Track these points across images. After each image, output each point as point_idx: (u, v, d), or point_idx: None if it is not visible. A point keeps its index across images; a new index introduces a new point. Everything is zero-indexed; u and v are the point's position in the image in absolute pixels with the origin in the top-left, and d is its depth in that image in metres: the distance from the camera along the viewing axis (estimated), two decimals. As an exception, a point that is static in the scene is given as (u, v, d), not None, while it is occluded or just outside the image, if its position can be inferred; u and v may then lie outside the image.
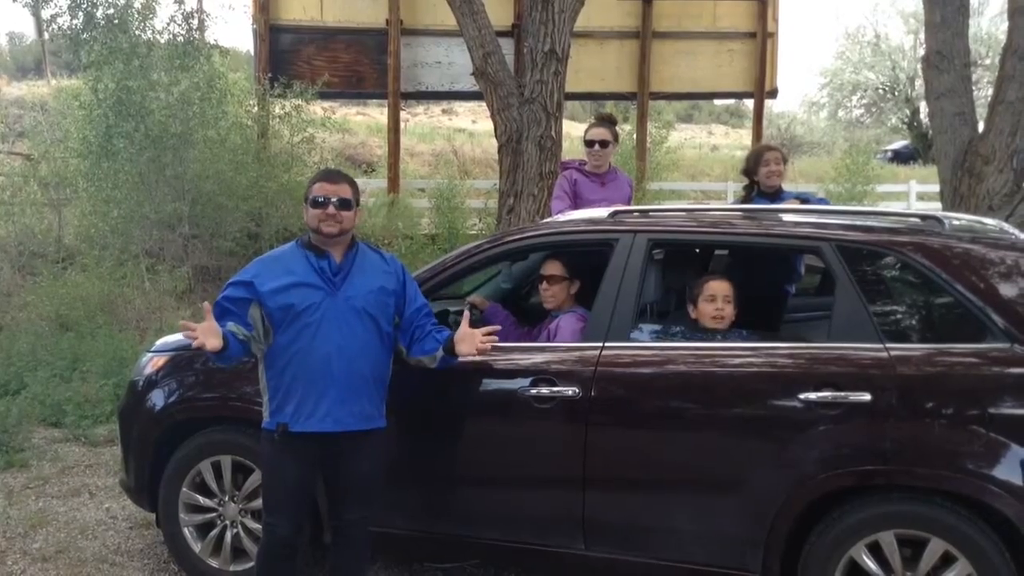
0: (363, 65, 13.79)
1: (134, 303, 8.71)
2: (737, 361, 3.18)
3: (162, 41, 10.19)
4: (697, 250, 4.38)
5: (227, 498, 3.72)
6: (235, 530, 3.73)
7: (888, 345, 2.99)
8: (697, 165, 22.08)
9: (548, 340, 3.69)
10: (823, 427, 2.97)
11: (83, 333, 7.65)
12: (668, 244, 3.79)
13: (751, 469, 3.06)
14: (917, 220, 3.52)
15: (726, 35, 14.48)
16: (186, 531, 3.79)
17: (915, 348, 2.99)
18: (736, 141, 30.78)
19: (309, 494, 3.26)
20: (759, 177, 4.73)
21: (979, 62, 22.58)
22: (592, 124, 5.16)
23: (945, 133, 6.96)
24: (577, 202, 4.89)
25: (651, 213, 3.86)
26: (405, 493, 3.53)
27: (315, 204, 3.10)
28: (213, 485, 3.74)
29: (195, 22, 10.49)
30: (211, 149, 10.12)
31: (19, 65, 32.64)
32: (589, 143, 4.99)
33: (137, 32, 9.92)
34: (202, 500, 3.76)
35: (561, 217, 4.06)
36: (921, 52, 9.12)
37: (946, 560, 2.85)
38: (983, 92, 18.76)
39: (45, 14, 10.67)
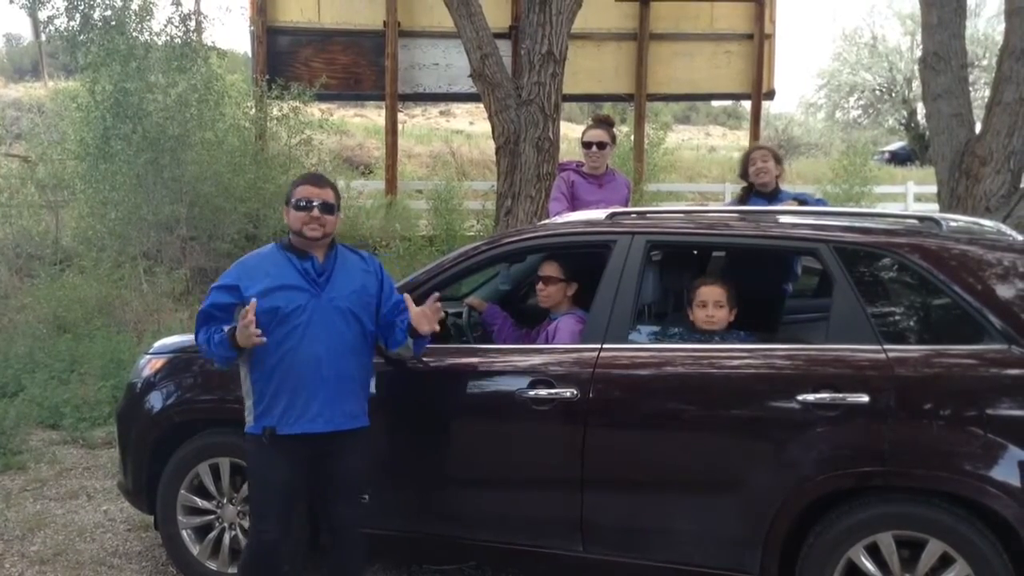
0: (361, 67, 13.81)
1: (132, 305, 8.70)
2: (735, 363, 3.18)
3: (159, 43, 10.18)
4: (695, 252, 4.38)
5: (225, 500, 3.72)
6: (233, 532, 3.72)
7: (886, 346, 2.99)
8: (695, 166, 22.11)
9: (546, 342, 3.70)
10: (821, 428, 2.97)
11: (81, 335, 7.64)
12: (666, 246, 3.79)
13: (749, 470, 3.06)
14: (915, 221, 3.53)
15: (723, 36, 14.51)
16: (184, 533, 3.79)
17: (913, 349, 3.00)
18: (733, 142, 30.81)
19: (297, 497, 3.23)
20: (750, 177, 4.77)
21: (976, 63, 22.62)
22: (589, 126, 5.16)
23: (942, 134, 6.97)
24: (575, 204, 4.89)
25: (649, 215, 3.87)
26: (403, 495, 3.53)
27: (299, 207, 3.10)
28: (211, 487, 3.74)
29: (192, 24, 10.49)
30: (209, 151, 10.12)
31: (16, 67, 32.61)
32: (586, 145, 4.99)
33: (134, 34, 9.91)
34: (200, 502, 3.76)
35: (559, 219, 4.06)
36: (918, 53, 9.12)
37: (944, 561, 2.85)
38: (980, 93, 18.84)
39: (42, 16, 10.64)
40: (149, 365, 3.97)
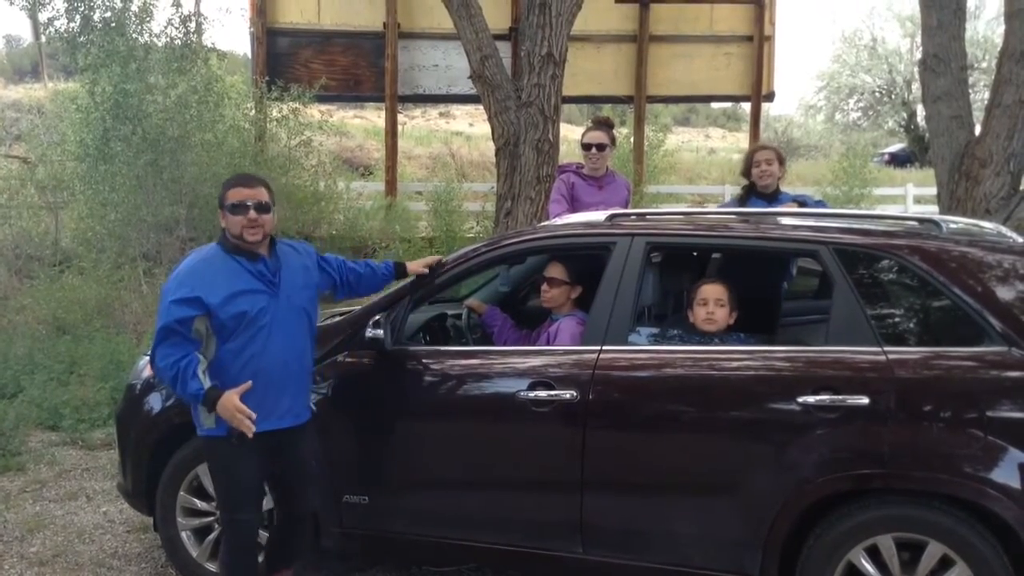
0: (360, 68, 13.81)
1: (131, 306, 8.69)
2: (735, 364, 3.17)
3: (159, 44, 10.17)
4: (694, 253, 4.38)
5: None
6: (232, 534, 3.71)
7: (886, 348, 2.99)
8: (694, 168, 22.13)
9: (547, 343, 3.70)
10: (821, 431, 2.97)
11: (80, 336, 7.64)
12: (665, 247, 3.79)
13: (749, 472, 3.06)
14: (914, 223, 3.53)
15: (723, 38, 14.51)
16: (184, 535, 3.79)
17: (913, 351, 3.00)
18: (733, 144, 30.86)
19: (265, 481, 3.33)
20: (753, 178, 4.76)
21: (976, 65, 22.62)
22: (589, 128, 5.16)
23: (942, 136, 6.97)
24: (575, 205, 4.89)
25: (648, 216, 3.87)
26: (403, 497, 3.52)
27: (233, 210, 3.10)
28: (211, 489, 3.73)
29: (192, 25, 10.47)
30: (208, 152, 10.11)
31: (16, 68, 32.63)
32: (586, 147, 4.99)
33: (134, 35, 9.90)
34: (200, 504, 3.76)
35: (559, 220, 4.06)
36: (918, 55, 9.13)
37: (944, 563, 2.85)
38: (980, 95, 18.84)
39: (42, 17, 10.62)
40: (148, 366, 3.96)
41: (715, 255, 4.39)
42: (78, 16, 9.94)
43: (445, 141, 23.00)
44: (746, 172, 4.87)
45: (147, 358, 4.05)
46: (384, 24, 13.40)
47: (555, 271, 3.86)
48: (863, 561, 2.93)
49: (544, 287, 3.87)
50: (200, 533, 3.79)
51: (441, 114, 30.76)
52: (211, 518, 3.75)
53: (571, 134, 17.94)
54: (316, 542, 3.60)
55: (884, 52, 27.10)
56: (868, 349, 3.00)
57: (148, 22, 10.09)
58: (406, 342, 3.61)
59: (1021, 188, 6.66)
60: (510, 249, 3.71)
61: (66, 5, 9.91)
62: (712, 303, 3.46)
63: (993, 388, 2.89)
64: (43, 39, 24.14)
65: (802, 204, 4.54)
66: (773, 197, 4.74)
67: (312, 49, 13.68)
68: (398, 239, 11.37)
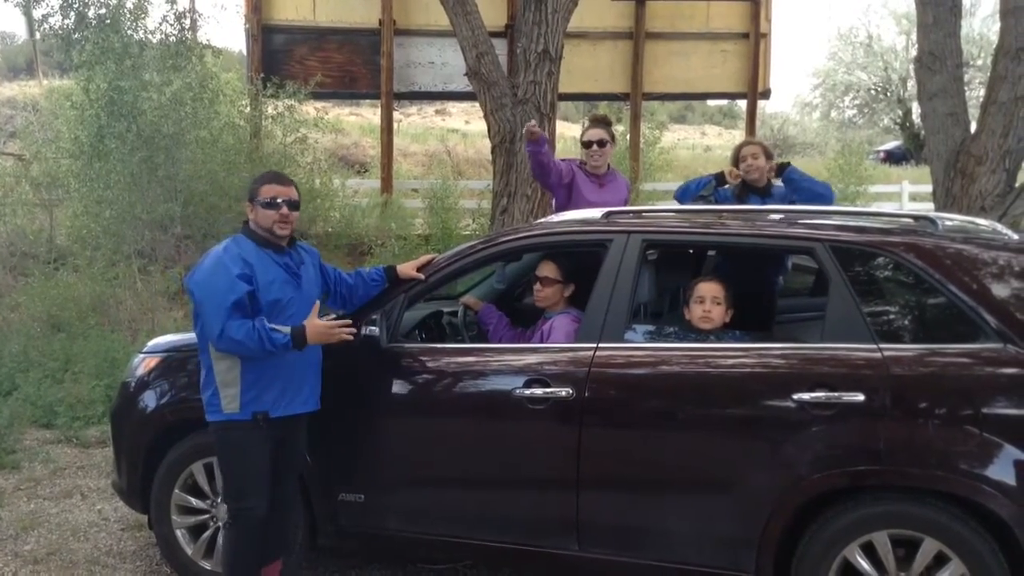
0: (356, 65, 13.79)
1: (126, 304, 8.68)
2: (731, 362, 3.17)
3: (154, 41, 10.14)
4: (691, 251, 4.38)
5: (220, 500, 3.70)
6: (228, 532, 3.71)
7: (881, 345, 2.99)
8: (691, 166, 22.07)
9: (541, 341, 3.69)
10: (816, 428, 2.97)
11: (75, 334, 7.62)
12: (662, 245, 3.79)
13: (745, 470, 3.06)
14: (910, 220, 3.53)
15: (719, 36, 14.51)
16: (178, 533, 3.78)
17: (908, 348, 3.00)
18: (729, 142, 30.80)
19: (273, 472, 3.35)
20: (740, 172, 4.78)
21: (971, 63, 22.65)
22: (589, 126, 5.15)
23: (937, 134, 6.98)
24: (575, 199, 4.88)
25: (645, 214, 3.87)
26: (399, 494, 3.52)
27: (267, 206, 3.23)
28: (206, 487, 3.73)
29: (187, 22, 10.46)
30: (203, 149, 10.08)
31: (10, 65, 32.55)
32: (587, 144, 4.97)
33: (129, 32, 9.87)
34: (194, 502, 3.75)
35: (555, 218, 4.05)
36: (913, 53, 9.14)
37: (940, 560, 2.85)
38: (975, 93, 18.82)
39: (36, 14, 10.60)
40: (143, 364, 3.96)
41: (711, 253, 4.39)
42: (73, 13, 9.93)
43: (441, 138, 22.97)
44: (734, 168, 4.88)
45: (142, 356, 4.05)
46: (380, 21, 13.37)
47: (547, 270, 3.85)
48: (859, 558, 2.93)
49: (537, 287, 3.87)
50: (195, 531, 3.78)
51: (437, 111, 30.74)
52: (206, 516, 3.75)
53: (567, 131, 17.93)
54: (312, 540, 3.59)
55: (880, 49, 27.10)
56: (864, 346, 3.00)
57: (143, 19, 10.08)
58: (402, 339, 3.61)
59: (1017, 185, 6.67)
60: (506, 247, 3.71)
61: (61, 2, 9.92)
62: (708, 301, 3.46)
63: (988, 385, 2.90)
64: (38, 36, 24.05)
65: (792, 201, 4.55)
66: (766, 191, 4.75)
67: (308, 46, 13.65)
68: (394, 236, 11.34)
